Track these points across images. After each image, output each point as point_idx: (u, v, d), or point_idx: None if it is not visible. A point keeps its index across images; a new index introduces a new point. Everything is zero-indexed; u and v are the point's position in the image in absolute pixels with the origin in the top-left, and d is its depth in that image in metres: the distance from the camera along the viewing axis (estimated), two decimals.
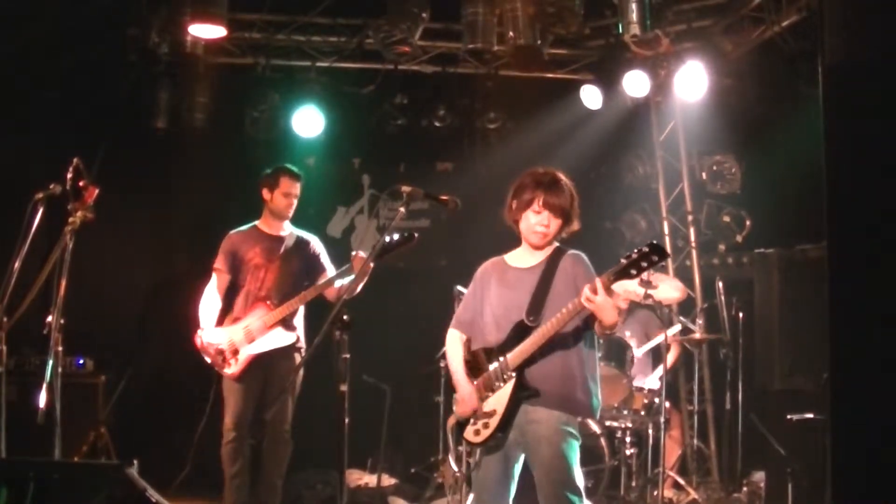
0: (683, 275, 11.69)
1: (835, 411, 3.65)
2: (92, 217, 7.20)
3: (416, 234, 7.31)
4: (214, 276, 8.99)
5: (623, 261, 5.78)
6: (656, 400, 9.67)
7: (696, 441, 11.07)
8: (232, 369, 8.65)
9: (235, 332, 8.68)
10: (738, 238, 11.70)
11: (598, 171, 12.81)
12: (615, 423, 9.73)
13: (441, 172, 13.02)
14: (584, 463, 9.06)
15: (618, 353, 9.90)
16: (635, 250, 5.77)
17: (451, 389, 6.42)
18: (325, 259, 9.15)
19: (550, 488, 6.00)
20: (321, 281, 8.88)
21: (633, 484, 9.82)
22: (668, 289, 9.99)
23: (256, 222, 9.12)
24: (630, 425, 9.74)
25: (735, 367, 10.58)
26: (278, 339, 8.73)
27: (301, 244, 9.11)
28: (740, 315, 10.68)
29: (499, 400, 6.11)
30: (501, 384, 6.11)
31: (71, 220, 7.09)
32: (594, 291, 5.75)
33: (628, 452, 9.77)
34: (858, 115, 3.55)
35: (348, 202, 13.03)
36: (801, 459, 8.99)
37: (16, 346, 8.82)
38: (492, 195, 6.58)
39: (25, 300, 6.97)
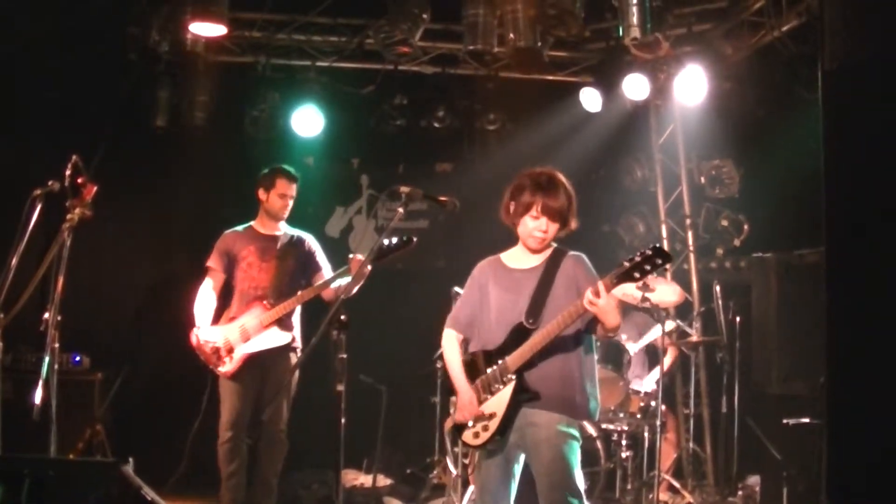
0: (681, 278, 11.70)
1: (831, 415, 3.66)
2: (90, 214, 7.19)
3: (414, 239, 7.32)
4: (208, 274, 9.00)
5: (626, 263, 5.77)
6: (652, 403, 9.67)
7: (691, 444, 11.06)
8: (226, 368, 8.64)
9: (231, 330, 8.68)
10: (736, 242, 11.70)
11: (597, 173, 12.83)
12: (611, 426, 9.74)
13: (440, 173, 13.03)
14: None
15: (615, 356, 9.91)
16: (638, 253, 5.75)
17: (447, 390, 6.43)
18: (320, 257, 9.15)
19: (551, 491, 6.00)
20: (317, 280, 8.90)
21: (629, 487, 9.83)
22: (665, 292, 9.99)
23: (252, 222, 9.12)
24: (626, 428, 9.74)
25: (732, 371, 10.57)
26: (274, 338, 8.72)
27: (296, 243, 9.11)
28: (737, 319, 10.68)
29: (498, 402, 6.09)
30: (501, 387, 6.09)
31: (69, 217, 7.08)
32: (597, 294, 5.73)
33: (624, 455, 9.78)
34: (857, 117, 3.55)
35: (347, 202, 13.04)
36: (797, 463, 9.01)
37: (12, 343, 8.80)
38: (491, 197, 6.58)
39: (23, 297, 6.96)
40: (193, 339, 8.73)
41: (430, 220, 12.83)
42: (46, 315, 6.90)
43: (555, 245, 6.33)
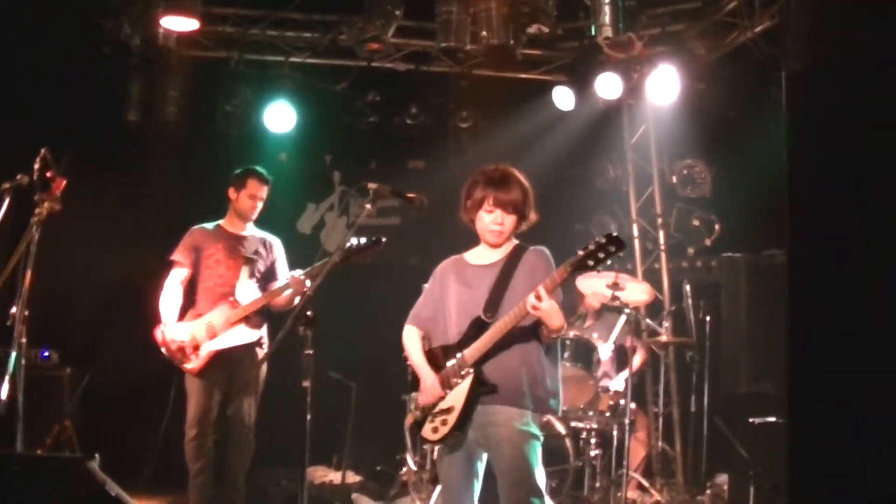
0: (652, 277, 11.74)
1: (792, 417, 3.68)
2: (59, 208, 7.18)
3: (383, 239, 7.33)
4: (173, 268, 8.96)
5: (580, 252, 5.77)
6: (622, 401, 9.69)
7: (661, 443, 11.10)
8: (192, 364, 8.60)
9: (198, 327, 8.65)
10: (708, 242, 11.74)
11: (570, 172, 12.86)
12: (580, 424, 9.74)
13: (412, 170, 13.05)
14: (548, 463, 9.09)
15: (585, 355, 9.93)
16: (592, 241, 5.76)
17: (417, 387, 6.40)
18: (280, 266, 9.10)
19: (512, 490, 5.99)
20: (272, 287, 8.87)
21: (598, 485, 9.83)
22: (635, 291, 10.02)
23: (221, 221, 9.08)
24: (595, 426, 9.75)
25: (701, 371, 10.62)
26: (241, 335, 8.69)
27: (264, 245, 9.07)
28: (707, 319, 10.73)
29: (456, 396, 6.08)
30: (459, 380, 6.08)
31: (38, 211, 7.06)
32: (538, 298, 5.75)
33: (593, 453, 9.77)
34: (820, 119, 3.57)
35: (319, 199, 13.04)
36: (764, 462, 9.03)
37: None
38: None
39: None
40: (158, 336, 8.68)
41: (403, 218, 12.85)
42: (14, 310, 6.88)
43: (516, 241, 6.34)
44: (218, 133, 11.78)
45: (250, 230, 9.09)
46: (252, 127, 11.74)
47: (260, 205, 9.03)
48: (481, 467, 6.24)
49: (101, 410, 10.89)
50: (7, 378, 6.67)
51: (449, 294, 6.32)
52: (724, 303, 10.58)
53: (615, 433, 9.72)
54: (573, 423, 9.71)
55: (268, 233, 9.17)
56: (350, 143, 12.53)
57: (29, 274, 6.88)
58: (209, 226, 9.07)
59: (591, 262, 5.78)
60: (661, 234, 12.08)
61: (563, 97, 11.46)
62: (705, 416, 10.54)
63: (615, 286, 9.55)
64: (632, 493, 10.15)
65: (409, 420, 6.53)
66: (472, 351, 6.05)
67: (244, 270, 8.86)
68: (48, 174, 7.12)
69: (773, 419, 9.11)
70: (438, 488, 8.32)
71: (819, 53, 3.54)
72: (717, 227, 11.66)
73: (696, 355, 10.68)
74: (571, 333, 9.98)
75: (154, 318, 8.83)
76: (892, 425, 3.36)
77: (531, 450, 6.02)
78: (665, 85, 10.85)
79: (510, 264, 6.22)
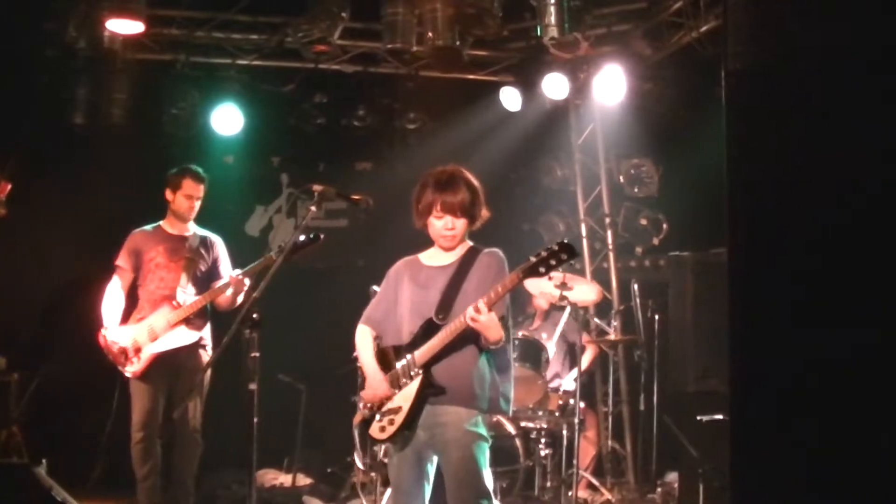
0: (600, 277, 11.78)
1: (734, 412, 3.70)
2: (4, 213, 7.14)
3: (321, 236, 7.31)
4: (116, 273, 8.93)
5: (533, 259, 5.80)
6: (571, 401, 9.71)
7: (611, 442, 11.14)
8: (133, 368, 8.57)
9: (139, 330, 8.61)
10: (655, 241, 11.79)
11: (517, 172, 12.90)
12: (530, 424, 9.75)
13: (360, 172, 13.05)
14: (498, 463, 9.15)
15: (533, 355, 9.92)
16: (545, 248, 5.80)
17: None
18: (224, 265, 9.08)
19: (459, 491, 6.00)
20: (216, 284, 8.84)
21: (548, 484, 9.85)
22: (583, 291, 10.04)
23: (161, 222, 9.05)
24: (545, 426, 9.76)
25: (650, 369, 10.68)
26: (181, 337, 8.65)
27: (205, 244, 9.05)
28: (656, 317, 10.78)
29: (405, 396, 6.08)
30: (408, 381, 6.08)
31: None
32: (477, 311, 5.76)
33: (543, 453, 9.79)
34: (758, 119, 3.60)
35: (267, 201, 13.02)
36: (713, 460, 9.07)
37: None
38: (411, 196, 6.57)
39: None
40: (101, 340, 8.65)
41: (350, 220, 12.84)
42: None
43: (471, 243, 6.34)
44: (165, 135, 11.73)
45: (192, 229, 9.06)
46: (199, 129, 11.69)
47: (197, 204, 9.00)
48: (432, 469, 6.23)
49: (49, 415, 10.83)
50: None
51: (402, 294, 6.32)
52: (671, 301, 10.61)
53: (565, 432, 9.72)
54: (523, 423, 9.72)
55: (210, 232, 9.14)
56: (297, 145, 12.52)
57: None
58: (149, 228, 9.05)
59: (542, 269, 5.82)
60: (609, 233, 12.12)
61: (510, 98, 11.49)
62: (655, 415, 10.59)
63: (563, 286, 9.56)
64: (582, 493, 10.18)
65: (357, 418, 6.54)
66: (422, 353, 6.04)
67: (185, 272, 8.83)
68: None
69: (720, 417, 9.15)
70: (389, 490, 8.31)
71: (757, 52, 3.56)
72: (664, 226, 11.71)
73: (645, 354, 10.74)
74: (520, 333, 9.99)
75: (98, 323, 8.80)
76: (832, 422, 3.38)
77: (479, 451, 6.02)
78: (611, 85, 10.90)
79: (463, 266, 6.23)
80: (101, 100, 11.49)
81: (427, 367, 6.04)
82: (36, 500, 5.61)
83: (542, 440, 9.78)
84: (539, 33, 10.15)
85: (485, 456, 6.06)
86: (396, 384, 6.15)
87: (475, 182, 6.24)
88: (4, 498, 5.64)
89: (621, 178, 11.98)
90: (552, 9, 9.73)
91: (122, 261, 8.93)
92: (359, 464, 9.28)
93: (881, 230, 3.29)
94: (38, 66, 10.92)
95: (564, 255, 5.78)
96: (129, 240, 9.01)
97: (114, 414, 9.66)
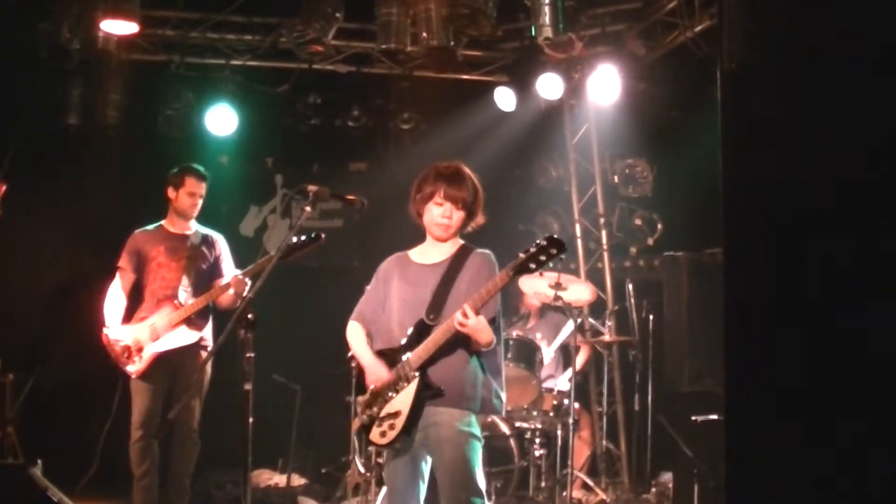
0: (595, 277, 11.77)
1: (729, 412, 3.70)
2: (0, 213, 7.13)
3: (322, 235, 7.30)
4: (118, 274, 8.95)
5: (521, 255, 5.80)
6: (566, 401, 9.70)
7: (605, 442, 11.14)
8: (135, 367, 8.60)
9: (141, 329, 8.64)
10: (650, 241, 11.78)
11: (512, 173, 12.89)
12: (525, 424, 9.75)
13: (354, 172, 13.03)
14: (493, 464, 9.15)
15: (528, 355, 9.92)
16: (533, 244, 5.79)
17: (362, 389, 6.38)
18: (226, 263, 9.11)
19: (452, 491, 6.00)
20: (219, 283, 8.84)
21: (543, 485, 9.84)
22: (578, 291, 10.04)
23: (162, 222, 9.08)
24: (539, 426, 9.76)
25: (644, 369, 10.67)
26: (182, 337, 8.68)
27: (207, 243, 9.08)
28: (650, 317, 10.78)
29: (403, 400, 6.07)
30: (405, 384, 6.07)
31: None
32: (465, 315, 5.76)
33: (537, 453, 9.79)
34: (753, 117, 3.60)
35: (261, 201, 13.00)
36: (708, 460, 9.07)
37: None
38: (405, 196, 6.56)
39: None
40: (103, 338, 8.68)
41: (345, 220, 12.83)
42: None
43: (463, 242, 6.34)
44: (159, 136, 11.70)
45: (194, 228, 9.09)
46: (193, 130, 11.67)
47: (200, 202, 9.03)
48: (426, 469, 6.23)
49: (45, 415, 10.83)
50: None
51: (392, 292, 6.32)
52: (666, 301, 10.61)
53: (559, 433, 9.72)
54: (517, 424, 9.73)
55: (211, 230, 9.16)
56: (292, 145, 12.51)
57: None
58: (151, 227, 9.08)
59: (532, 266, 5.81)
60: (604, 233, 12.11)
61: (505, 98, 11.48)
62: (649, 415, 10.59)
63: (558, 286, 9.57)
64: (577, 493, 10.19)
65: (355, 424, 6.52)
66: (416, 355, 6.04)
67: (186, 271, 8.84)
68: None
69: (715, 417, 9.15)
70: (384, 490, 8.31)
71: (753, 51, 3.56)
72: (659, 226, 11.71)
73: (640, 354, 10.74)
74: (514, 334, 10.00)
75: (98, 322, 8.81)
76: (826, 421, 3.38)
77: (472, 451, 6.03)
78: (606, 85, 10.89)
79: (455, 266, 6.22)
80: (96, 101, 11.48)
81: (422, 369, 6.04)
82: (31, 501, 5.61)
83: (537, 440, 9.78)
84: (533, 33, 10.14)
85: (478, 456, 6.07)
86: (393, 388, 6.14)
87: (478, 183, 6.27)
88: (0, 499, 5.63)
89: (615, 179, 11.96)
90: (546, 9, 9.72)
91: (124, 262, 8.97)
92: (360, 468, 9.27)
93: (878, 229, 3.29)
94: (32, 66, 10.88)
95: (554, 250, 5.77)
96: (130, 240, 9.03)
97: (113, 414, 9.64)
